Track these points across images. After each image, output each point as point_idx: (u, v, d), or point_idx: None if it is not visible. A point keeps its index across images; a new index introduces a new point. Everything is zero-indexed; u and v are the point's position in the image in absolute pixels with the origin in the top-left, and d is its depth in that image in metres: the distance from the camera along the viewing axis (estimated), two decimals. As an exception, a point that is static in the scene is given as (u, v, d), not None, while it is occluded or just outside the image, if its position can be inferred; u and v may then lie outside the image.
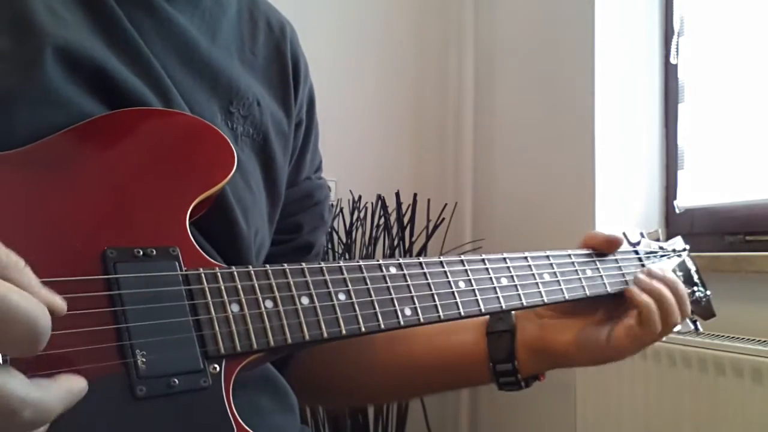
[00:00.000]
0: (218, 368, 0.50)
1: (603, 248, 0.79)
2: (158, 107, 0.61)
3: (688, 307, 0.78)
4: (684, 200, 1.86)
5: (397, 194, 2.01)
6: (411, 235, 2.02)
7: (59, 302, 0.41)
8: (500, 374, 0.77)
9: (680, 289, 0.77)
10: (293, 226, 0.80)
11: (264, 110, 0.73)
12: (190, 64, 0.67)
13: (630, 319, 0.73)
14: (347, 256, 1.96)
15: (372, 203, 2.02)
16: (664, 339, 1.44)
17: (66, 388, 0.41)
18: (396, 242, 2.00)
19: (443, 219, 2.07)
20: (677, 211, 1.85)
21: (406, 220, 2.01)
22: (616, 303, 0.76)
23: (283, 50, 0.79)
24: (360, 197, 2.02)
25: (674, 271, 0.84)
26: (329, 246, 1.97)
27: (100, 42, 0.60)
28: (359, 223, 2.01)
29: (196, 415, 0.49)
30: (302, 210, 0.81)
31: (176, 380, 0.48)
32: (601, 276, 0.76)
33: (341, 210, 2.04)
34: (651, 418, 1.51)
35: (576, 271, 0.75)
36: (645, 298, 0.73)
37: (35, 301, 0.38)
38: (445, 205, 2.15)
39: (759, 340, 1.39)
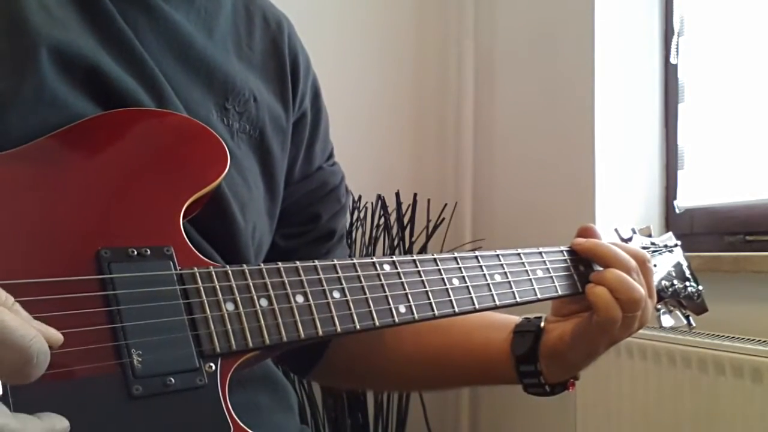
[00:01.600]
0: (214, 367, 0.51)
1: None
2: (152, 106, 0.61)
3: (650, 273, 0.75)
4: (684, 200, 1.85)
5: (397, 194, 2.01)
6: (411, 235, 2.01)
7: (54, 333, 0.41)
8: (523, 375, 0.75)
9: (636, 259, 0.73)
10: (312, 217, 0.81)
11: (260, 105, 0.73)
12: (186, 61, 0.67)
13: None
14: (346, 259, 1.96)
15: (372, 203, 2.02)
16: (664, 339, 1.45)
17: (47, 428, 0.40)
18: (396, 242, 2.00)
19: (443, 219, 2.07)
20: (677, 211, 1.85)
21: (406, 220, 2.01)
22: None
23: (280, 45, 0.79)
24: (360, 197, 2.01)
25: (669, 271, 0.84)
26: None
27: (94, 41, 0.60)
28: (359, 223, 2.01)
29: (193, 414, 0.49)
30: (318, 199, 0.81)
31: (172, 379, 0.49)
32: (594, 271, 0.76)
33: (341, 210, 2.03)
34: (651, 418, 1.51)
35: (569, 267, 0.75)
36: (595, 290, 0.70)
37: (31, 329, 0.38)
38: (445, 205, 2.15)
39: (759, 340, 1.38)
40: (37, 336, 0.38)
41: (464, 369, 0.80)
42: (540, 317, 0.77)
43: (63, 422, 0.42)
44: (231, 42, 0.73)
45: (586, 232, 0.78)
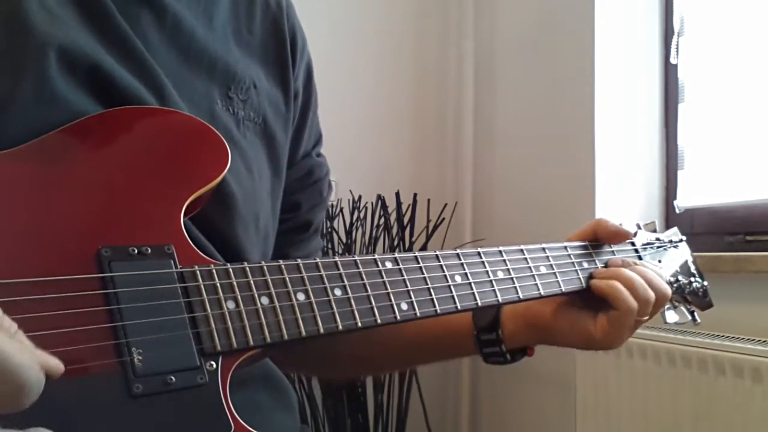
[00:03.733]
0: (215, 365, 0.50)
1: (610, 239, 0.79)
2: (153, 104, 0.61)
3: (659, 283, 0.75)
4: (684, 200, 1.85)
5: (397, 194, 2.01)
6: (411, 235, 2.01)
7: (55, 363, 0.40)
8: (484, 343, 0.76)
9: (644, 271, 0.75)
10: (292, 205, 0.80)
11: (260, 92, 0.73)
12: (188, 54, 0.67)
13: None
14: (347, 256, 1.96)
15: (372, 203, 2.02)
16: (664, 339, 1.45)
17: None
18: (396, 242, 2.00)
19: (443, 219, 2.07)
20: (677, 211, 1.85)
21: (406, 220, 2.01)
22: None
23: (280, 24, 0.78)
24: (360, 197, 2.02)
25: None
26: (329, 246, 1.97)
27: (94, 39, 0.60)
28: (359, 223, 2.01)
29: (194, 412, 0.49)
30: (301, 189, 0.81)
31: (173, 378, 0.48)
32: (598, 268, 0.76)
33: (341, 210, 2.04)
34: (651, 417, 1.51)
35: (572, 263, 0.75)
36: (605, 282, 0.72)
37: (30, 358, 0.37)
38: (445, 205, 2.15)
39: (759, 340, 1.39)
40: (35, 366, 0.37)
41: (416, 344, 0.80)
42: None
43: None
44: (231, 28, 0.73)
45: (600, 227, 0.79)
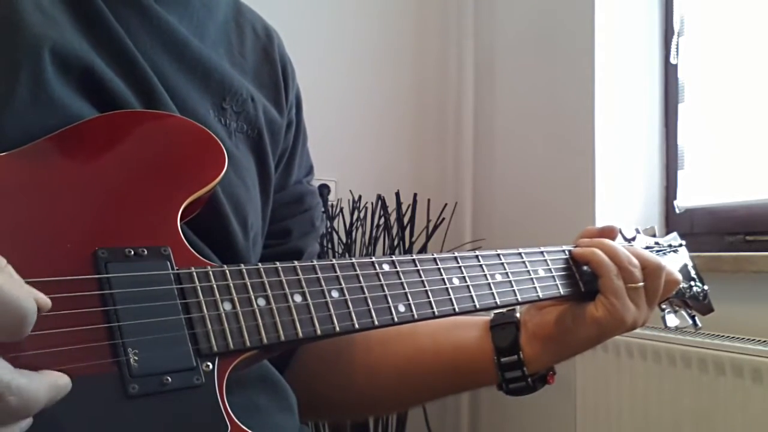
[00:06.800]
0: (211, 366, 0.50)
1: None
2: (141, 109, 0.61)
3: (646, 253, 0.76)
4: (684, 200, 1.85)
5: (397, 194, 2.01)
6: (411, 235, 2.02)
7: (43, 298, 0.41)
8: (506, 367, 0.75)
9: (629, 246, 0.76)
10: (282, 232, 0.79)
11: (258, 106, 0.73)
12: (181, 61, 0.67)
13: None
14: (347, 256, 1.95)
15: (372, 203, 2.02)
16: (664, 339, 1.45)
17: (51, 382, 0.41)
18: (396, 242, 2.00)
19: (443, 219, 2.07)
20: (677, 211, 1.85)
21: (406, 220, 2.01)
22: None
23: (271, 53, 0.79)
24: (360, 197, 2.02)
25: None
26: (329, 246, 1.97)
27: (86, 41, 0.60)
28: (359, 223, 2.01)
29: (190, 413, 0.49)
30: (292, 215, 0.80)
31: (169, 378, 0.48)
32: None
33: (341, 210, 2.04)
34: (651, 417, 1.51)
35: (570, 267, 0.75)
36: (585, 249, 0.74)
37: (21, 288, 0.38)
38: (445, 205, 2.15)
39: (759, 340, 1.38)
40: (29, 296, 0.39)
41: (435, 373, 0.79)
42: (513, 309, 0.77)
43: (63, 378, 0.42)
44: (223, 48, 0.73)
45: (585, 233, 0.79)
